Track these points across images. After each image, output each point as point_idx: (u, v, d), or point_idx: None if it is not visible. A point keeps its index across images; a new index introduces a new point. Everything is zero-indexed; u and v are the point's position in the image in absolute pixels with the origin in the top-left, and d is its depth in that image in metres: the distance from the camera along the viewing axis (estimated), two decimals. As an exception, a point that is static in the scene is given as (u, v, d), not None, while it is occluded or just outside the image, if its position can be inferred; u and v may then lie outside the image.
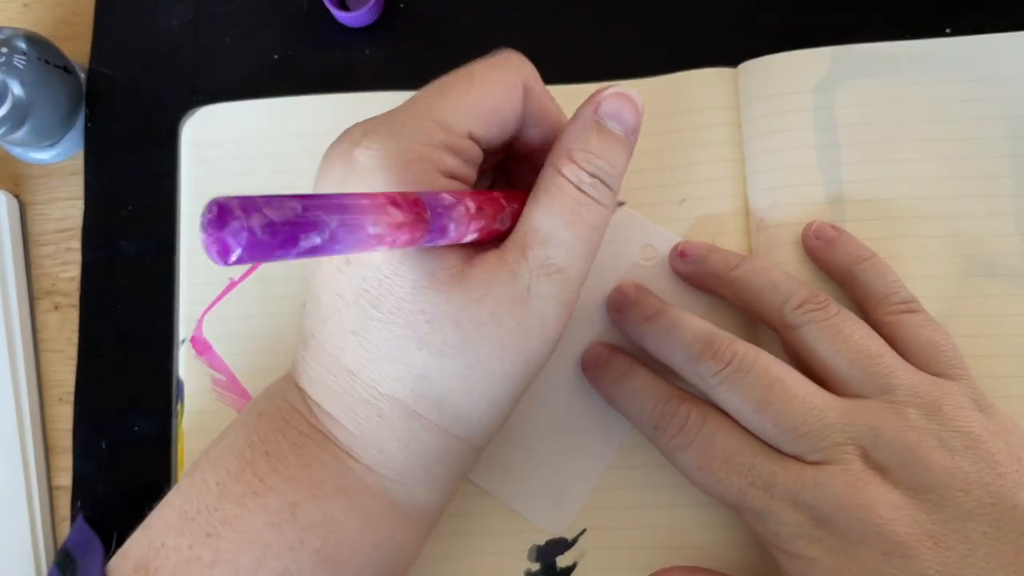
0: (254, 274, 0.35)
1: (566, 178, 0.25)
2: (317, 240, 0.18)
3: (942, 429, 0.26)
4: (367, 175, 0.24)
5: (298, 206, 0.18)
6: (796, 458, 0.27)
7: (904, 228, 0.33)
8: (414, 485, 0.26)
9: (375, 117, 0.26)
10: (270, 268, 0.35)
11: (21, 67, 0.33)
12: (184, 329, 0.35)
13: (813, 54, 0.34)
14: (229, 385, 0.34)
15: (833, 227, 0.32)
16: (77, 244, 0.37)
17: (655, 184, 0.34)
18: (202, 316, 0.35)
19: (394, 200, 0.21)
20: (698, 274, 0.32)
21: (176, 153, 0.36)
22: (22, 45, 0.34)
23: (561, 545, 0.32)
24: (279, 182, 0.35)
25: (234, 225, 0.16)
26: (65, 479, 0.35)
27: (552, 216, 0.25)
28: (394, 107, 0.26)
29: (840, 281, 0.32)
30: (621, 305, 0.32)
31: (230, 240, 0.16)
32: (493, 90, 0.26)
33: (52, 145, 0.37)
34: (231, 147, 0.36)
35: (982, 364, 0.31)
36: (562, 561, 0.32)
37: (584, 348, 0.33)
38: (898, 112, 0.33)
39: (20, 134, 0.35)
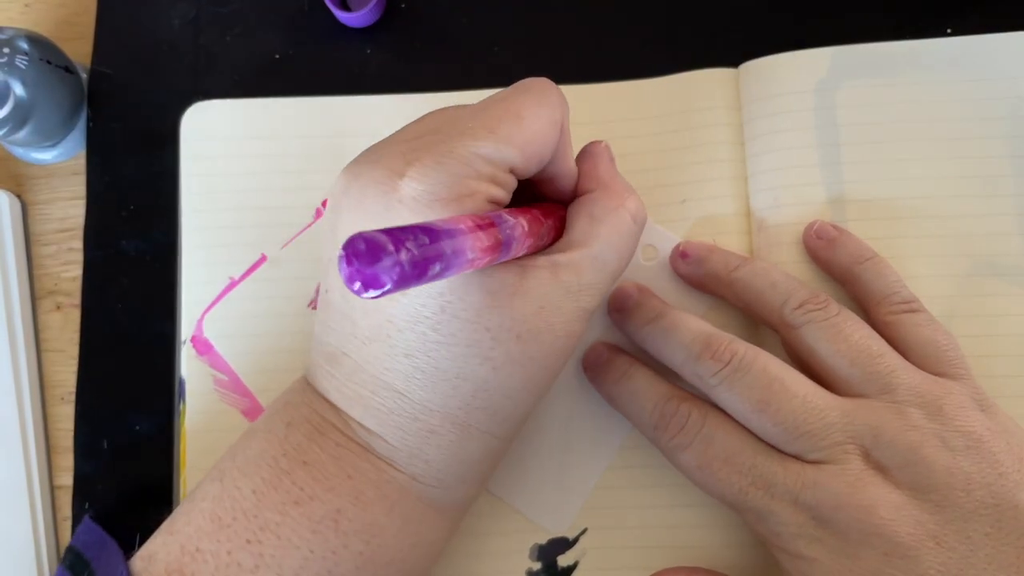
0: (254, 274, 0.35)
1: (628, 212, 0.28)
2: (438, 268, 0.19)
3: (943, 429, 0.26)
4: (419, 209, 0.24)
5: (426, 238, 0.18)
6: (796, 457, 0.27)
7: (905, 228, 0.33)
8: (454, 487, 0.27)
9: (410, 137, 0.26)
10: (271, 267, 0.35)
11: (23, 67, 0.33)
12: (185, 329, 0.35)
13: (814, 54, 0.34)
14: (231, 385, 0.34)
15: (835, 227, 0.32)
16: (79, 244, 0.37)
17: (656, 184, 0.34)
18: (202, 316, 0.35)
19: (478, 224, 0.21)
20: (699, 275, 0.32)
21: (177, 152, 0.36)
22: (24, 45, 0.34)
23: (562, 544, 0.32)
24: (280, 182, 0.35)
25: (386, 261, 0.17)
26: (66, 479, 0.35)
27: (611, 248, 0.27)
28: (431, 121, 0.26)
29: (841, 281, 0.32)
30: (622, 306, 0.32)
31: (382, 275, 0.17)
32: (539, 130, 0.26)
33: (54, 145, 0.37)
34: (230, 145, 0.36)
35: (984, 363, 0.31)
36: (563, 560, 0.32)
37: (586, 348, 0.33)
38: (899, 112, 0.33)
39: (22, 134, 0.35)
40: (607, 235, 0.27)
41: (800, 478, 0.26)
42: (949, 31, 0.34)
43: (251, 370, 0.34)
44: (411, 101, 0.36)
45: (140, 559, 0.26)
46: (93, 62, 0.38)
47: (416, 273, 0.18)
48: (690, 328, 0.29)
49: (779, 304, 0.30)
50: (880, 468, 0.26)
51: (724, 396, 0.28)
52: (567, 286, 0.26)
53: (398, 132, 0.27)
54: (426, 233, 0.18)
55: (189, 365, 0.34)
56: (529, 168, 0.27)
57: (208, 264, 0.35)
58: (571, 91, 0.35)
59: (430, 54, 0.37)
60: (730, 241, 0.33)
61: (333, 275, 0.27)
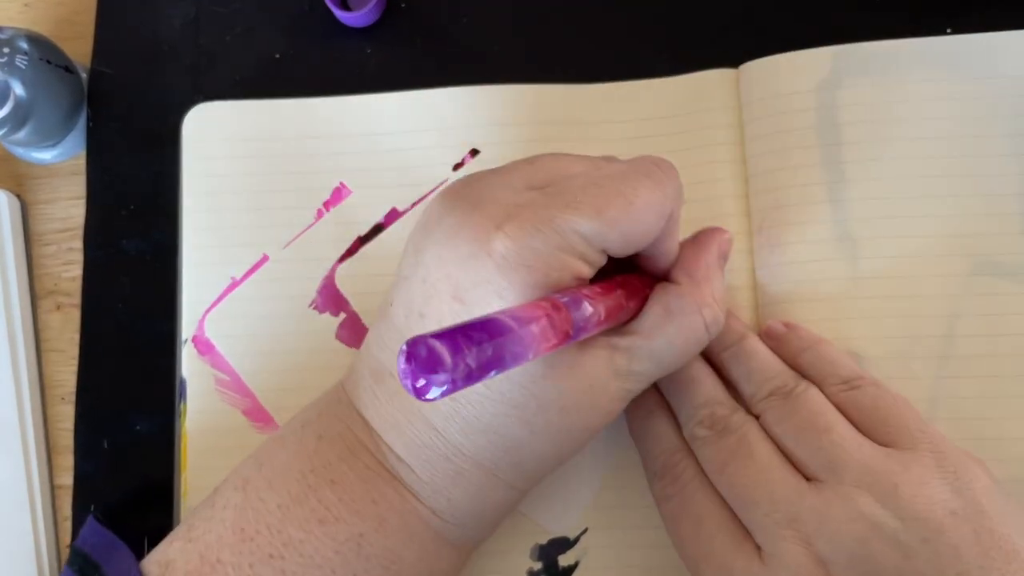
0: (255, 274, 0.35)
1: (703, 319, 0.27)
2: (493, 375, 0.19)
3: (896, 518, 0.24)
4: (504, 268, 0.23)
5: (489, 346, 0.19)
6: (753, 539, 0.27)
7: (907, 227, 0.33)
8: (471, 528, 0.28)
9: (519, 186, 0.25)
10: (272, 268, 0.35)
11: (23, 67, 0.33)
12: (186, 329, 0.35)
13: (814, 54, 0.34)
14: (232, 385, 0.34)
15: (784, 324, 0.32)
16: (79, 244, 0.37)
17: (657, 184, 0.34)
18: (204, 316, 0.35)
19: (551, 320, 0.21)
20: None
21: (178, 152, 0.36)
22: (24, 45, 0.34)
23: (563, 544, 0.32)
24: (281, 183, 0.35)
25: (441, 376, 0.18)
26: (67, 478, 0.35)
27: (673, 347, 0.27)
28: (544, 172, 0.26)
29: (796, 370, 0.31)
30: None
31: (434, 387, 0.18)
32: (646, 219, 0.26)
33: (54, 145, 0.37)
34: (232, 146, 0.36)
35: (988, 363, 0.31)
36: (564, 560, 0.32)
37: None
38: (900, 111, 0.33)
39: (22, 134, 0.35)
40: (674, 334, 0.27)
41: (746, 572, 0.26)
42: (949, 30, 0.34)
43: (252, 370, 0.34)
44: (411, 99, 0.36)
45: (156, 564, 0.26)
46: (93, 62, 0.38)
47: (468, 383, 0.18)
48: (703, 392, 0.30)
49: (750, 394, 0.30)
50: (823, 562, 0.25)
51: (701, 454, 0.29)
52: (618, 369, 0.26)
53: (507, 171, 0.26)
54: (491, 337, 0.19)
55: (190, 365, 0.34)
56: (625, 252, 0.26)
57: (210, 264, 0.35)
58: (571, 91, 0.35)
59: (430, 54, 0.37)
60: (731, 241, 0.33)
61: (403, 292, 0.26)
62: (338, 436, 0.27)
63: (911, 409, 0.28)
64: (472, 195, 0.25)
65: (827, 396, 0.28)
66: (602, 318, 0.24)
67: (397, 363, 0.18)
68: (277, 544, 0.25)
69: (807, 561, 0.25)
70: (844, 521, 0.25)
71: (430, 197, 0.26)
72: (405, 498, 0.26)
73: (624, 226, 0.25)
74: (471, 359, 0.18)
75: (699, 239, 0.30)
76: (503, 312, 0.20)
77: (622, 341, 0.26)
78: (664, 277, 0.29)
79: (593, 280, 0.26)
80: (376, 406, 0.27)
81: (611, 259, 0.27)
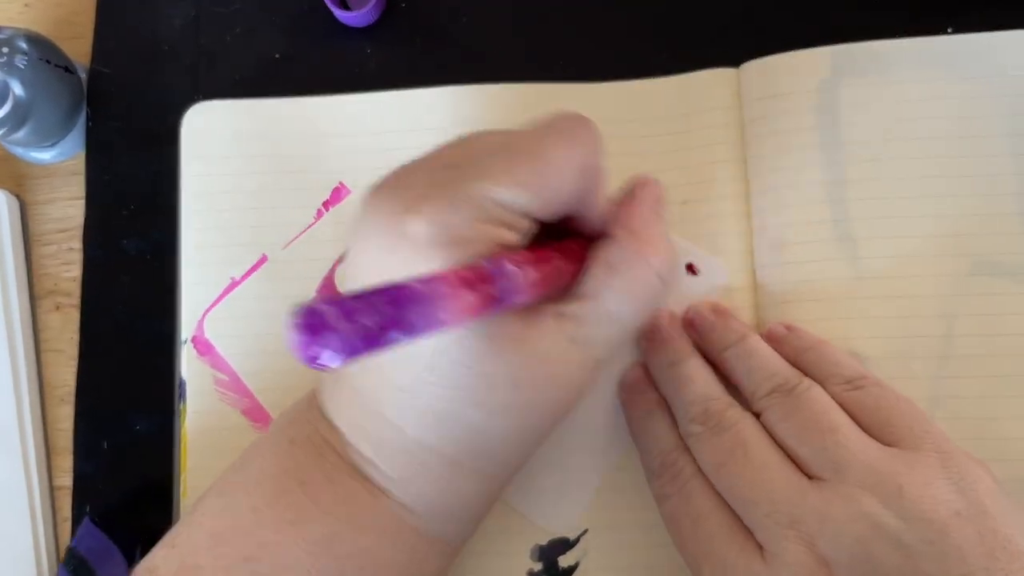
0: (255, 274, 0.35)
1: (652, 267, 0.26)
2: (399, 335, 0.18)
3: (899, 519, 0.24)
4: (420, 249, 0.23)
5: (388, 308, 0.18)
6: (754, 537, 0.26)
7: (908, 226, 0.33)
8: (447, 522, 0.27)
9: (434, 166, 0.25)
10: (272, 268, 0.35)
11: (22, 67, 0.33)
12: (186, 329, 0.35)
13: (815, 54, 0.34)
14: (232, 385, 0.34)
15: (786, 326, 0.32)
16: (78, 244, 0.37)
17: (657, 184, 0.34)
18: (203, 316, 0.35)
19: (466, 280, 0.20)
20: (699, 344, 0.32)
21: (177, 152, 0.36)
22: (23, 45, 0.34)
23: (563, 545, 0.32)
24: (281, 183, 0.35)
25: (330, 336, 0.17)
26: (66, 479, 0.35)
27: (625, 303, 0.26)
28: (457, 151, 0.25)
29: (797, 368, 0.31)
30: (653, 337, 0.32)
31: (326, 350, 0.17)
32: (562, 176, 0.25)
33: (53, 145, 0.37)
34: (231, 145, 0.36)
35: (987, 364, 0.31)
36: (564, 561, 0.32)
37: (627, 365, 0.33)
38: (901, 110, 0.33)
39: (21, 134, 0.35)
40: (621, 288, 0.26)
41: (747, 571, 0.26)
42: (949, 30, 0.34)
43: (252, 370, 0.34)
44: (411, 98, 0.36)
45: (144, 571, 0.26)
46: (93, 62, 0.38)
47: (367, 344, 0.17)
48: (697, 388, 0.29)
49: (751, 392, 0.29)
50: (825, 562, 0.24)
51: (697, 453, 0.28)
52: (572, 337, 0.25)
53: (431, 154, 0.26)
54: (389, 300, 0.18)
55: (190, 365, 0.34)
56: (548, 213, 0.25)
57: (209, 264, 0.35)
58: (571, 91, 0.35)
59: (430, 53, 0.37)
60: (730, 242, 0.33)
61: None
62: (307, 439, 0.27)
63: (915, 409, 0.28)
64: (393, 183, 0.25)
65: (830, 396, 0.28)
66: (533, 279, 0.23)
67: (287, 339, 0.17)
68: (252, 546, 0.25)
69: (809, 561, 0.25)
70: (847, 521, 0.24)
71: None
72: (375, 495, 0.26)
73: (539, 184, 0.24)
74: (367, 319, 0.17)
75: (632, 191, 0.28)
76: (409, 278, 0.19)
77: (569, 308, 0.25)
78: (598, 237, 0.28)
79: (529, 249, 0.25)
80: (339, 409, 0.26)
81: (546, 227, 0.26)
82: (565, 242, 0.27)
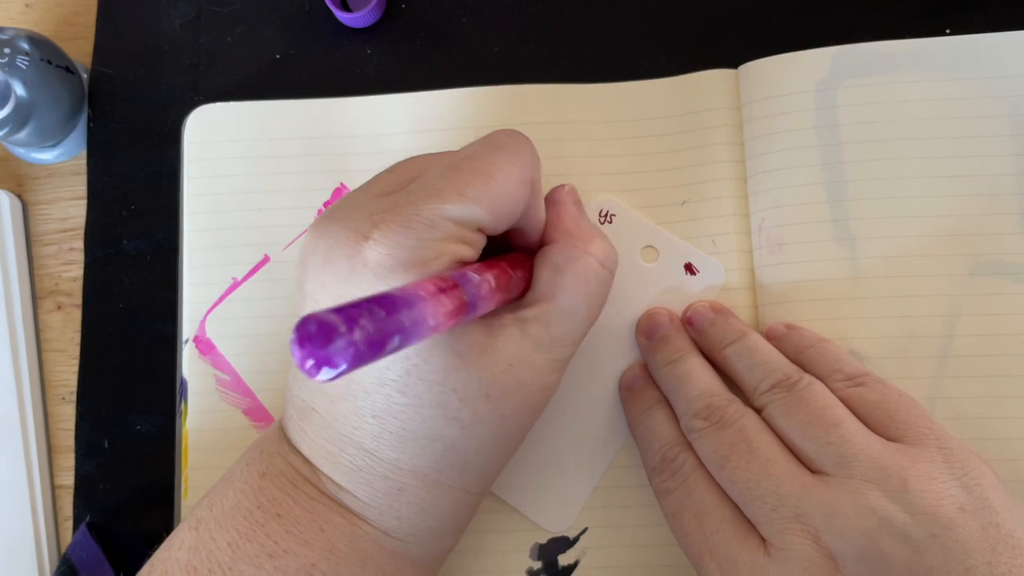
0: (257, 274, 0.35)
1: (594, 257, 0.28)
2: (397, 342, 0.18)
3: (905, 513, 0.24)
4: (383, 274, 0.23)
5: (382, 311, 0.18)
6: (757, 532, 0.26)
7: (907, 227, 0.33)
8: (428, 541, 0.27)
9: (380, 193, 0.25)
10: (273, 269, 0.35)
11: (24, 68, 0.33)
12: (187, 329, 0.35)
13: (814, 54, 0.34)
14: (233, 385, 0.34)
15: (786, 325, 0.32)
16: (80, 244, 0.37)
17: (656, 186, 0.34)
18: (205, 316, 0.35)
19: (440, 288, 0.21)
20: (698, 342, 0.32)
21: (178, 153, 0.36)
22: (24, 46, 0.34)
23: (563, 543, 0.32)
24: (282, 184, 0.35)
25: (339, 343, 0.16)
26: (68, 478, 0.35)
27: (578, 297, 0.27)
28: (401, 174, 0.26)
29: (798, 365, 0.31)
30: (651, 334, 0.32)
31: (336, 357, 0.16)
32: (510, 190, 0.26)
33: (55, 145, 0.37)
34: (233, 147, 0.36)
35: (987, 363, 0.31)
36: (564, 559, 0.32)
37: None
38: (900, 111, 0.33)
39: (23, 134, 0.35)
40: (572, 284, 0.27)
41: (752, 565, 0.26)
42: (948, 31, 0.34)
43: (253, 370, 0.34)
44: (412, 100, 0.36)
45: None
46: (93, 62, 0.38)
47: (372, 350, 0.17)
48: (698, 385, 0.30)
49: (752, 388, 0.30)
50: (831, 556, 0.25)
51: (699, 448, 0.29)
52: (536, 341, 0.26)
53: (369, 183, 0.26)
54: (382, 306, 0.18)
55: (191, 365, 0.34)
56: (498, 226, 0.26)
57: (211, 265, 0.35)
58: (571, 91, 0.35)
59: (430, 54, 0.37)
60: (730, 242, 0.33)
61: None
62: (279, 472, 0.27)
63: (917, 406, 0.28)
64: (338, 215, 0.25)
65: (832, 392, 0.29)
66: (493, 286, 0.24)
67: (292, 355, 0.16)
68: None
69: (816, 555, 0.25)
70: (853, 515, 0.25)
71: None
72: (353, 523, 0.26)
73: (488, 199, 0.25)
74: (366, 323, 0.17)
75: (551, 198, 0.30)
76: (389, 289, 0.20)
77: (528, 312, 0.26)
78: (537, 247, 0.29)
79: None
80: (307, 441, 0.26)
81: (491, 243, 0.27)
82: (509, 254, 0.28)
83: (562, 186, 0.30)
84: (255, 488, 0.26)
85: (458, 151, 0.27)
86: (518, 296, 0.27)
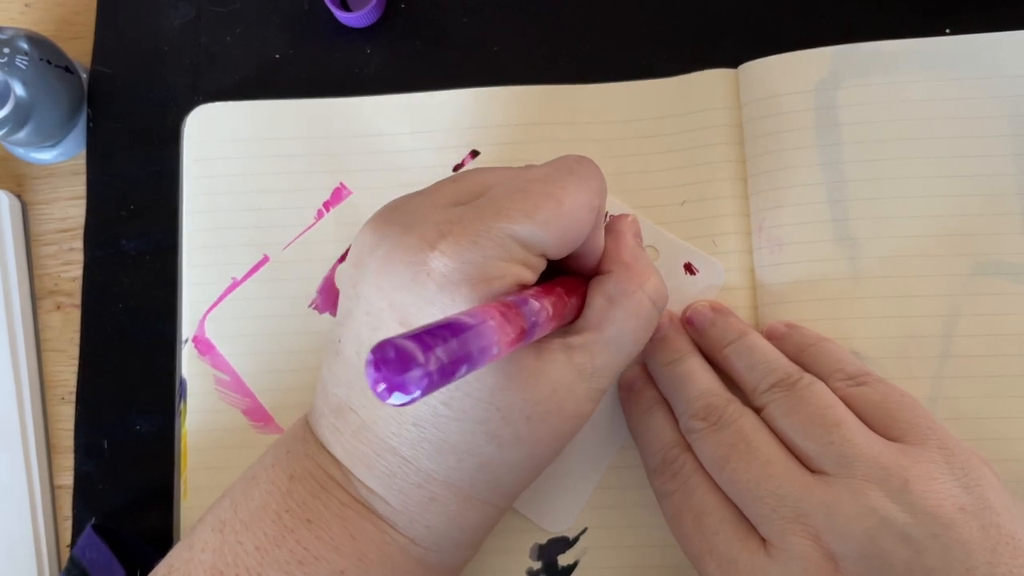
0: (256, 274, 0.35)
1: (647, 294, 0.27)
2: (464, 370, 0.19)
3: (906, 513, 0.24)
4: (446, 286, 0.23)
5: (455, 341, 0.18)
6: (757, 532, 0.27)
7: (907, 227, 0.33)
8: (450, 551, 0.27)
9: (446, 203, 0.25)
10: (272, 268, 0.35)
11: (23, 68, 0.33)
12: (187, 329, 0.35)
13: (813, 54, 0.34)
14: (233, 385, 0.34)
15: (786, 324, 0.32)
16: (79, 244, 0.37)
17: (656, 186, 0.34)
18: (204, 316, 0.35)
19: (505, 316, 0.21)
20: (698, 342, 0.32)
21: (178, 153, 0.36)
22: (24, 45, 0.34)
23: (563, 544, 0.32)
24: (281, 184, 0.35)
25: (416, 372, 0.17)
26: (67, 478, 0.35)
27: (627, 332, 0.27)
28: (468, 187, 0.26)
29: (798, 365, 0.31)
30: (652, 335, 0.32)
31: (411, 385, 0.17)
32: (578, 217, 0.26)
33: (54, 145, 0.37)
34: (233, 147, 0.36)
35: (988, 363, 0.31)
36: (564, 559, 0.32)
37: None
38: (899, 111, 0.33)
39: (22, 134, 0.35)
40: (623, 318, 0.27)
41: (752, 566, 0.26)
42: (948, 31, 0.34)
43: (253, 370, 0.34)
44: (411, 100, 0.36)
45: None
46: (93, 62, 0.38)
47: (444, 379, 0.18)
48: (698, 385, 0.30)
49: (752, 387, 0.30)
50: (832, 556, 0.25)
51: (699, 449, 0.29)
52: (580, 369, 0.26)
53: (431, 191, 0.26)
54: (454, 335, 0.18)
55: (191, 365, 0.34)
56: (562, 252, 0.26)
57: (210, 265, 0.35)
58: (571, 91, 0.35)
59: (430, 54, 0.37)
60: (729, 242, 0.33)
61: (349, 328, 0.26)
62: (308, 474, 0.26)
63: (919, 406, 0.28)
64: (401, 219, 0.25)
65: (832, 391, 0.29)
66: (551, 314, 0.24)
67: (367, 376, 0.17)
68: None
69: (816, 555, 0.25)
70: (854, 515, 0.25)
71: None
72: (383, 530, 0.26)
73: (556, 224, 0.25)
74: (441, 353, 0.18)
75: (612, 227, 0.29)
76: (457, 313, 0.20)
77: (576, 339, 0.26)
78: (593, 274, 0.29)
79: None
80: (341, 442, 0.26)
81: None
82: (562, 279, 0.28)
83: (625, 216, 0.30)
84: (283, 491, 0.26)
85: (527, 171, 0.27)
86: (568, 322, 0.27)
